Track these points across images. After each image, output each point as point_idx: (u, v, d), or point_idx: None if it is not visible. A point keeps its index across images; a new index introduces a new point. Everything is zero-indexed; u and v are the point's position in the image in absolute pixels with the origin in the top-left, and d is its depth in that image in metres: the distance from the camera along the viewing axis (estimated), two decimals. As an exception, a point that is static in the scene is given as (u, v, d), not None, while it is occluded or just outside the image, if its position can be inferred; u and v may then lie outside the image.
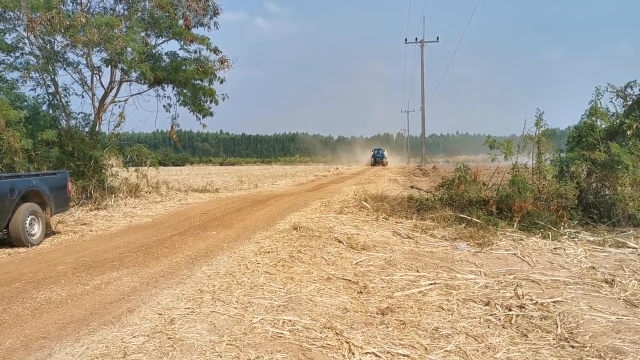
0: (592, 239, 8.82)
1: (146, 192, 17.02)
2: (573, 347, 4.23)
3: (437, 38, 45.27)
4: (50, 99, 15.39)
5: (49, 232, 9.78)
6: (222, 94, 18.67)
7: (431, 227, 9.96)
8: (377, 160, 67.02)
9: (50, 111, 15.33)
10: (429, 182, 24.04)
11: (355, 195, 15.45)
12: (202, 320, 4.70)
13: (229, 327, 4.51)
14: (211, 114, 18.76)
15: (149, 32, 16.82)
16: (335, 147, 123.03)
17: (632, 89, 10.92)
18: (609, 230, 9.39)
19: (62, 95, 15.60)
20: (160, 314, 4.88)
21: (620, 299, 5.51)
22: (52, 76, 15.19)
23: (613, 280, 6.14)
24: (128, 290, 5.89)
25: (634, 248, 8.05)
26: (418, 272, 6.78)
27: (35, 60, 14.70)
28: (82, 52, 15.52)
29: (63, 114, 15.60)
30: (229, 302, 5.23)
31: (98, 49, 15.20)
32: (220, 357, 3.90)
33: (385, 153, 70.42)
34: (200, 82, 18.06)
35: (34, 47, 14.59)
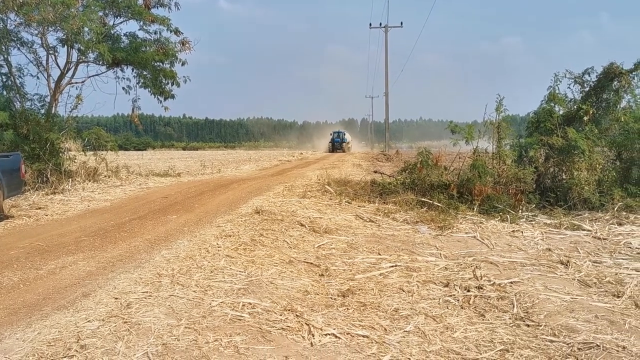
0: (548, 221, 9.05)
1: (105, 177, 16.61)
2: (528, 325, 4.31)
3: (401, 23, 45.77)
4: (4, 79, 14.79)
5: (1, 216, 9.45)
6: (184, 77, 18.30)
7: (393, 210, 10.03)
8: (336, 145, 55.82)
9: (4, 92, 14.75)
10: (392, 166, 24.21)
11: (319, 179, 15.41)
12: (160, 304, 4.61)
13: (188, 311, 4.44)
14: (173, 97, 18.37)
15: (107, 11, 16.28)
16: (300, 132, 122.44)
17: (589, 76, 11.19)
18: (565, 213, 9.63)
19: (16, 75, 14.97)
20: (116, 298, 4.77)
21: (574, 280, 5.65)
22: (5, 56, 14.60)
23: (568, 262, 6.30)
24: (84, 275, 5.75)
25: (588, 230, 8.28)
26: (379, 254, 6.82)
27: (-14, 39, 14.10)
28: (36, 32, 14.94)
29: (17, 95, 15.00)
30: (188, 286, 5.15)
31: (53, 28, 14.68)
32: (178, 340, 3.83)
33: (347, 137, 59.50)
34: (161, 63, 17.61)
35: (-15, 25, 13.99)
